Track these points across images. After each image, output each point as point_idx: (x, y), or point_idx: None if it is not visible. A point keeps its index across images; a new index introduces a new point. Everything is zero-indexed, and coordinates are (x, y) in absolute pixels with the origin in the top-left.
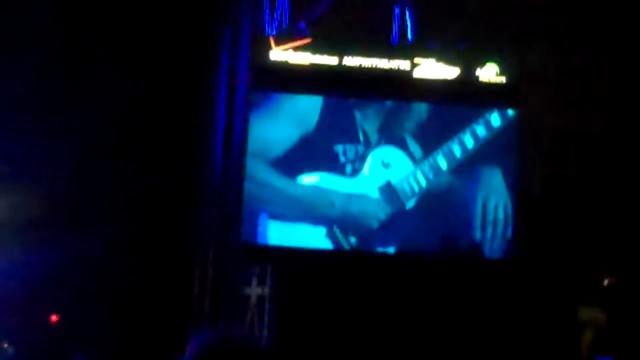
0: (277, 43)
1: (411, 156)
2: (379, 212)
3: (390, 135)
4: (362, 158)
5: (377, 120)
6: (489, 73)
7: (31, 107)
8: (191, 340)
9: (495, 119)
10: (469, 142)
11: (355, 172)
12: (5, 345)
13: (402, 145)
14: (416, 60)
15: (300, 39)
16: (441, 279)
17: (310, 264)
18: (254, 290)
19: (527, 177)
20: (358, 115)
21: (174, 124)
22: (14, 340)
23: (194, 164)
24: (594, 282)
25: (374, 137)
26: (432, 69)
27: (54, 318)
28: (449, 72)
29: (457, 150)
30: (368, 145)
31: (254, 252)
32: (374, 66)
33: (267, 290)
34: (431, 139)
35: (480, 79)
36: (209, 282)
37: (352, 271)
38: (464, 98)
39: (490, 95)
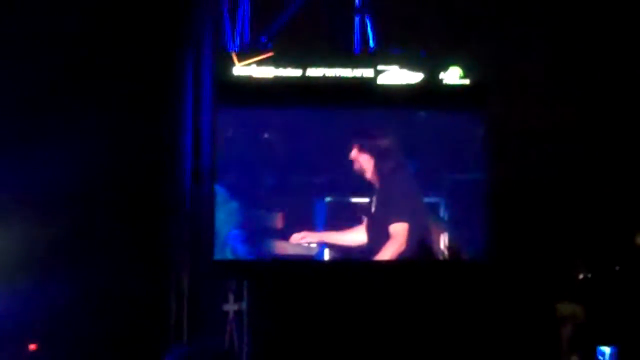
0: (240, 58)
1: None
2: None
3: None
4: None
5: None
6: (453, 76)
7: None
8: (167, 353)
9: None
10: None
11: None
12: None
13: None
14: (379, 67)
15: (263, 53)
16: (418, 283)
17: (286, 276)
18: (232, 306)
19: (497, 179)
20: None
21: (142, 145)
22: None
23: (163, 185)
24: (570, 278)
25: None
26: (395, 75)
27: (32, 346)
28: (413, 77)
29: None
30: None
31: (228, 268)
32: (338, 76)
33: (244, 305)
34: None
35: (445, 82)
36: (186, 301)
37: (328, 280)
38: (430, 102)
39: (456, 98)
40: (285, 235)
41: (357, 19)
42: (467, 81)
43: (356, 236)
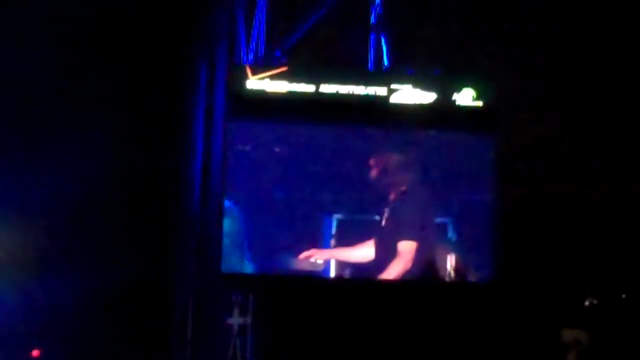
0: (254, 72)
1: None
2: None
3: None
4: None
5: None
6: (466, 98)
7: None
8: None
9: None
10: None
11: None
12: None
13: None
14: (393, 86)
15: (277, 67)
16: (423, 304)
17: (291, 291)
18: (236, 320)
19: (505, 200)
20: None
21: (152, 156)
22: None
23: (172, 197)
24: (575, 304)
25: None
26: (408, 94)
27: (35, 353)
28: (426, 97)
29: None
30: None
31: (234, 281)
32: (351, 93)
33: (249, 319)
34: None
35: (457, 103)
36: (190, 313)
37: (333, 297)
38: (442, 122)
39: (468, 120)
40: (292, 251)
41: (372, 37)
42: (479, 103)
43: (365, 252)
